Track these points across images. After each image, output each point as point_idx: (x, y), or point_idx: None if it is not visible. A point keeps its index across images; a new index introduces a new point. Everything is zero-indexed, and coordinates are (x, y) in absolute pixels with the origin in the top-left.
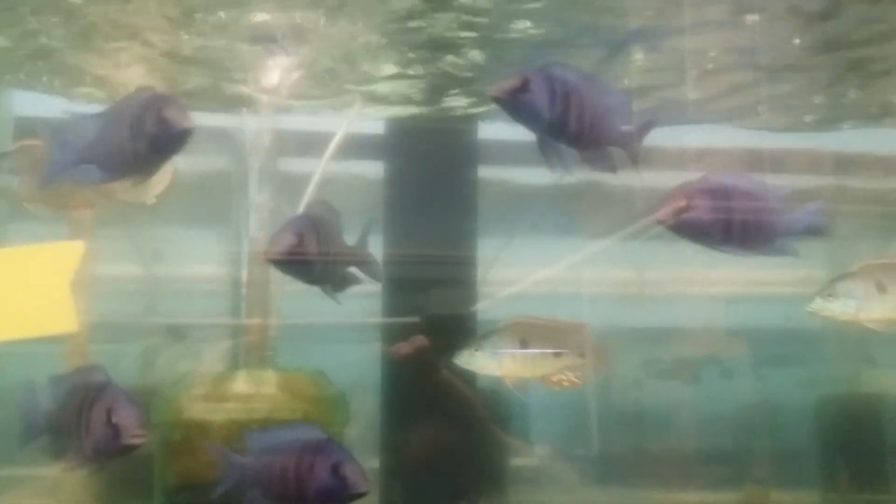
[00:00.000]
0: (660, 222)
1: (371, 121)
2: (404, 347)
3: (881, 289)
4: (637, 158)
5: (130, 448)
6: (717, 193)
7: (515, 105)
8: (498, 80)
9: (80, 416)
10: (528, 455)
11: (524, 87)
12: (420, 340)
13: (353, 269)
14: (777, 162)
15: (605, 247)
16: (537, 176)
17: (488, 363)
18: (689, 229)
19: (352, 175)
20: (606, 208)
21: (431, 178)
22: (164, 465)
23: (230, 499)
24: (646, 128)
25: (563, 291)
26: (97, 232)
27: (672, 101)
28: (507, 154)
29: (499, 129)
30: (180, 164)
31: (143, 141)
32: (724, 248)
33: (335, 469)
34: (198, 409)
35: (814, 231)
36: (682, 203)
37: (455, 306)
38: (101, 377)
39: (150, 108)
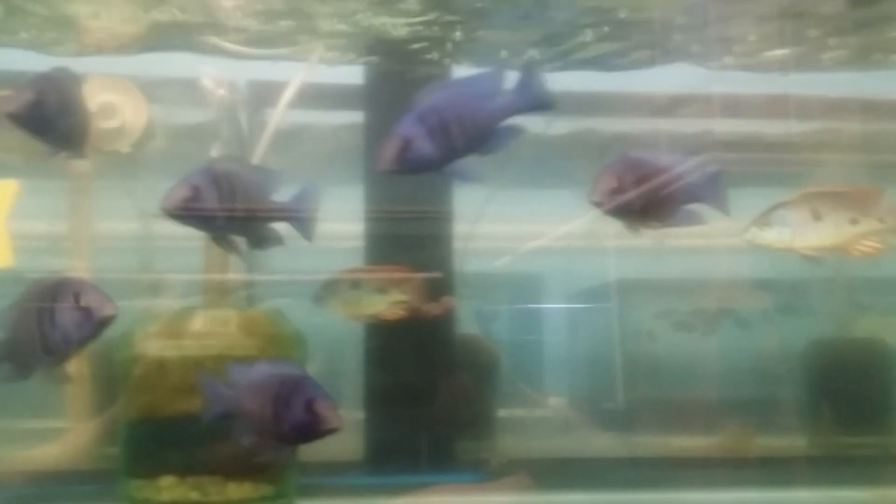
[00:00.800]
0: (595, 204)
1: (348, 69)
2: (435, 308)
3: (817, 217)
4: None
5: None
6: (638, 171)
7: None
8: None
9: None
10: (541, 404)
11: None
12: (448, 302)
13: (279, 227)
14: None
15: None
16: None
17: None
18: (620, 211)
19: (333, 126)
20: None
21: None
22: (126, 399)
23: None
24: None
25: (581, 245)
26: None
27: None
28: None
29: None
30: (157, 113)
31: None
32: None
33: (309, 405)
34: (155, 346)
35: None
36: (614, 184)
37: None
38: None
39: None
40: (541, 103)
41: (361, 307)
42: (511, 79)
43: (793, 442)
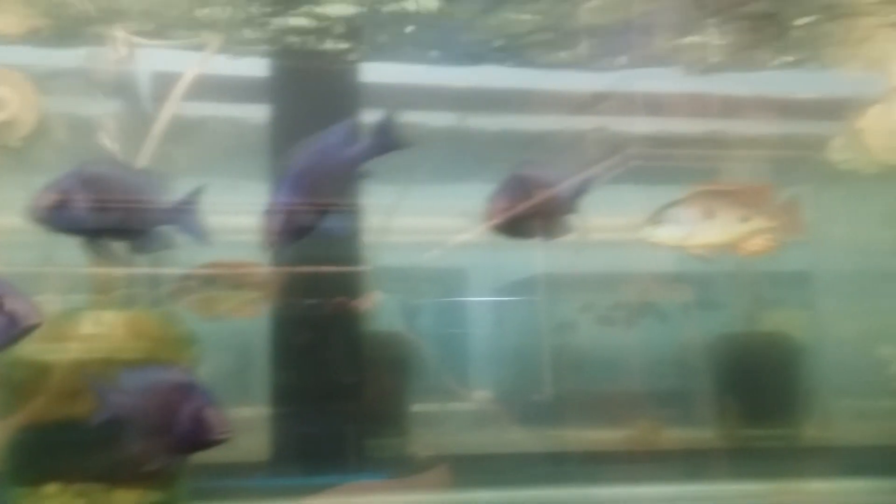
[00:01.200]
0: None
1: (252, 62)
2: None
3: (708, 215)
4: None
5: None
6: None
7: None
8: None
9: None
10: (464, 398)
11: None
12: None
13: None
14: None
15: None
16: (438, 120)
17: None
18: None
19: (236, 119)
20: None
21: (318, 122)
22: (8, 404)
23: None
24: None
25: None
26: None
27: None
28: (401, 97)
29: (389, 71)
30: (48, 106)
31: None
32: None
33: (197, 414)
34: (38, 349)
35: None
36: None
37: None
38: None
39: None
40: (395, 146)
41: (213, 305)
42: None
43: (701, 435)
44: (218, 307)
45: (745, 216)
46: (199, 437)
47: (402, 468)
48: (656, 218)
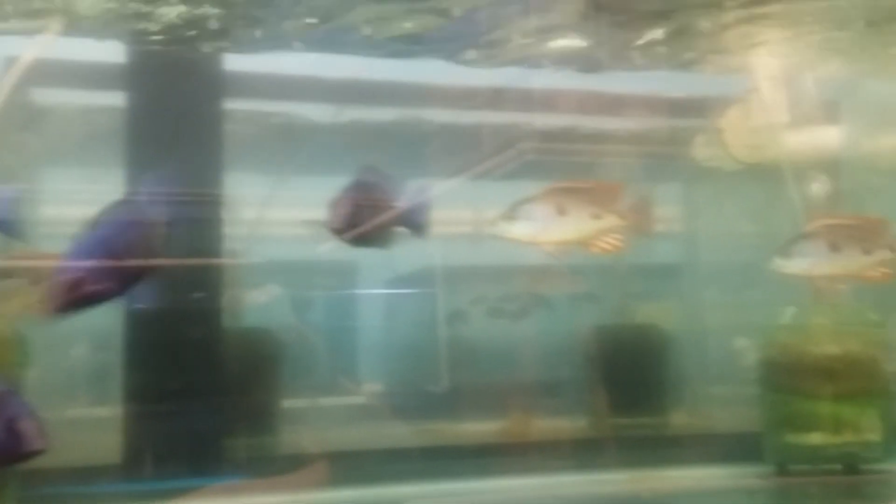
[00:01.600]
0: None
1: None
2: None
3: (561, 211)
4: None
5: None
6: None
7: None
8: None
9: None
10: (353, 393)
11: None
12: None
13: None
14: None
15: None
16: (314, 112)
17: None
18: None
19: (94, 106)
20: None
21: (177, 111)
22: None
23: None
24: None
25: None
26: None
27: None
28: (274, 88)
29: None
30: None
31: None
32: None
33: (10, 424)
34: None
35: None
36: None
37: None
38: None
39: None
40: None
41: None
42: None
43: (574, 425)
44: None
45: (596, 214)
46: (12, 448)
47: (269, 468)
48: (510, 214)
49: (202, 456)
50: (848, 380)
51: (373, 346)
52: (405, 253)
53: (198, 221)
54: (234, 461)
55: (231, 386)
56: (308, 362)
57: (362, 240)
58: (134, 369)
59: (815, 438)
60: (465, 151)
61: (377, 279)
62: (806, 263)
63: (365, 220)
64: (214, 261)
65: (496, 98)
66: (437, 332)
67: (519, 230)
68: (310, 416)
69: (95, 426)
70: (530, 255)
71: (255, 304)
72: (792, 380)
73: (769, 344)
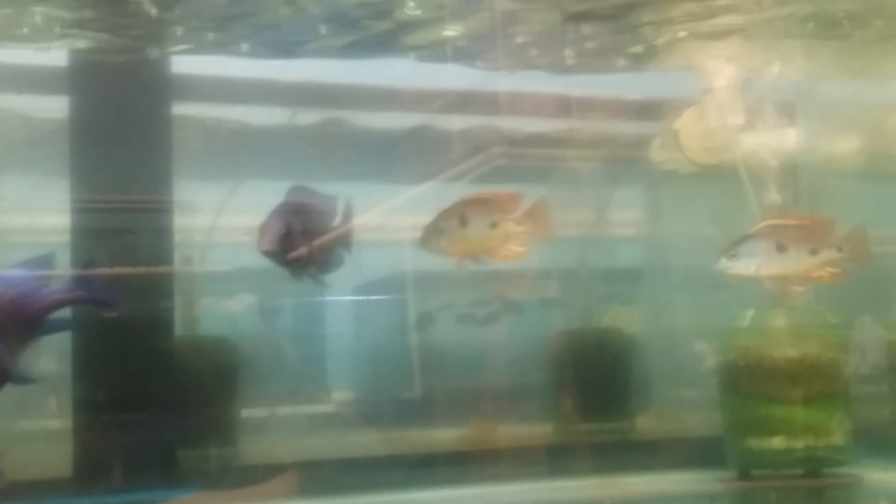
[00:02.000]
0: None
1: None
2: None
3: (463, 222)
4: None
5: None
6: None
7: None
8: None
9: None
10: (320, 401)
11: None
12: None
13: None
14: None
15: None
16: (264, 117)
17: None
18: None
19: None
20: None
21: (123, 117)
22: None
23: None
24: None
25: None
26: None
27: None
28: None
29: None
30: None
31: None
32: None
33: None
34: None
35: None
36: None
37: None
38: None
39: None
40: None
41: None
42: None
43: (538, 431)
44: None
45: (494, 223)
46: None
47: (226, 479)
48: (430, 228)
49: (157, 468)
50: (808, 383)
51: (341, 353)
52: (373, 259)
53: (149, 229)
54: (189, 473)
55: (187, 396)
56: (276, 370)
57: (296, 263)
58: (85, 380)
59: (777, 443)
60: (425, 156)
61: (345, 286)
62: (752, 264)
63: (295, 242)
64: (168, 269)
65: (457, 101)
66: (405, 339)
67: (430, 243)
68: (273, 425)
69: (46, 439)
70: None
71: (228, 313)
72: (751, 383)
73: (728, 347)
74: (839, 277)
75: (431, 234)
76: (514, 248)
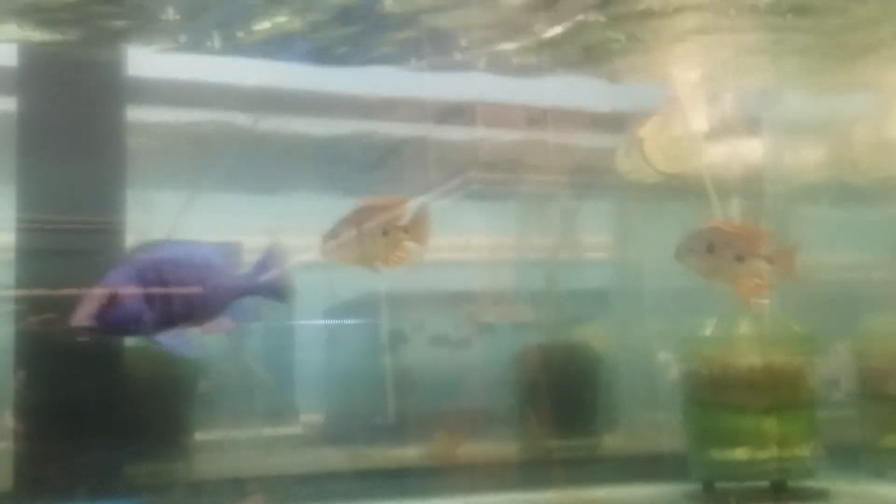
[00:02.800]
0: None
1: None
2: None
3: (358, 230)
4: None
5: None
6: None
7: None
8: None
9: None
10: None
11: None
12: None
13: None
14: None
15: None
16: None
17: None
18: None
19: None
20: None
21: (74, 122)
22: None
23: None
24: None
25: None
26: None
27: None
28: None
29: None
30: None
31: None
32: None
33: None
34: None
35: None
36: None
37: None
38: None
39: None
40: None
41: None
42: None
43: (505, 447)
44: None
45: (385, 229)
46: None
47: (173, 495)
48: (330, 234)
49: (101, 483)
50: (773, 392)
51: (311, 375)
52: (345, 280)
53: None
54: (136, 488)
55: (136, 411)
56: (243, 391)
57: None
58: (25, 393)
59: (740, 454)
60: (389, 166)
61: (318, 307)
62: (691, 259)
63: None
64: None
65: (420, 109)
66: (377, 360)
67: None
68: (229, 442)
69: None
70: (472, 281)
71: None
72: (714, 393)
73: (691, 356)
74: (765, 290)
75: (328, 242)
76: (401, 255)
